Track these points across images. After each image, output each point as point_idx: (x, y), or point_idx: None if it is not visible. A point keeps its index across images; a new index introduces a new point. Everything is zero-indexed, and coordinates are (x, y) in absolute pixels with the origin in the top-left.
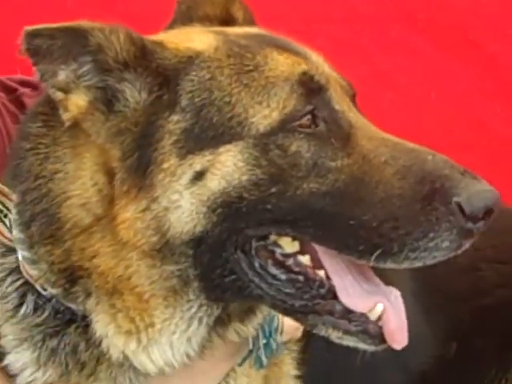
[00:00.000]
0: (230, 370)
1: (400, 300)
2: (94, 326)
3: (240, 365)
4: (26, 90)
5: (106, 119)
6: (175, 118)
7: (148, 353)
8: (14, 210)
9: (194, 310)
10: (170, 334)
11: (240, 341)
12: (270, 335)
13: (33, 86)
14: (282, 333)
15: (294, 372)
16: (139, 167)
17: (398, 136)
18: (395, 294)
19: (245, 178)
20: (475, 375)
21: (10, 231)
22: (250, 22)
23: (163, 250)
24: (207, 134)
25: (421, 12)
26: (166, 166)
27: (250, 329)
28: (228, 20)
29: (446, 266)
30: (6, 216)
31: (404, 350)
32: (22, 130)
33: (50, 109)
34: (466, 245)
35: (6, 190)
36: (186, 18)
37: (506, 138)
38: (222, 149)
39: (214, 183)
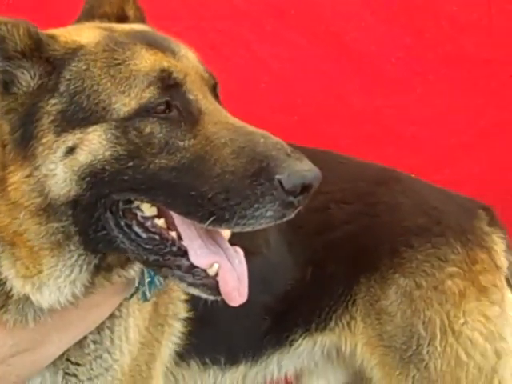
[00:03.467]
0: (122, 301)
1: (243, 263)
2: (1, 270)
3: (129, 299)
4: None
5: (2, 99)
6: (53, 101)
7: (41, 293)
8: None
9: (74, 259)
10: (55, 279)
11: (127, 280)
12: (155, 274)
13: None
14: None
15: (183, 297)
16: (23, 141)
17: (276, 111)
18: (239, 257)
19: (108, 153)
20: (327, 293)
21: None
22: (141, 19)
23: (47, 209)
24: (78, 116)
25: (291, 9)
26: (44, 140)
27: (131, 272)
28: (122, 17)
29: (305, 207)
30: None
31: (271, 274)
32: None
33: None
34: (291, 214)
35: None
36: (89, 16)
37: (363, 110)
38: (89, 129)
39: (83, 157)
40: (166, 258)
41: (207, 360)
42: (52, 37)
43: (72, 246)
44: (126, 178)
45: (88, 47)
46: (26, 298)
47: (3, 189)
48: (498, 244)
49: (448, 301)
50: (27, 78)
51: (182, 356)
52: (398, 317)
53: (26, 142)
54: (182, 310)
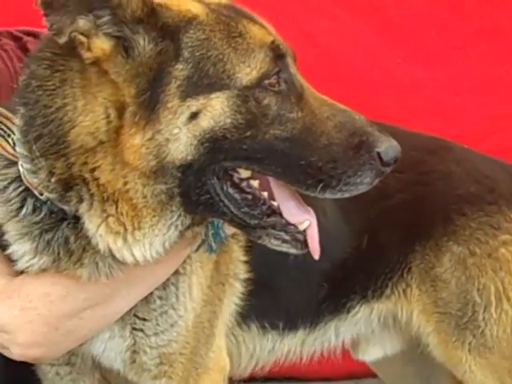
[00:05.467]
0: (185, 257)
1: (316, 221)
2: (86, 225)
3: (195, 252)
4: (30, 39)
5: (126, 62)
6: (180, 66)
7: (131, 250)
8: (17, 131)
9: (174, 219)
10: (152, 237)
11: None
12: (218, 227)
13: (34, 35)
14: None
15: (242, 258)
16: (149, 104)
17: (323, 83)
18: (314, 215)
19: (228, 120)
20: (383, 260)
21: (13, 148)
22: None
23: (157, 172)
24: (203, 82)
25: None
26: (170, 105)
27: (202, 228)
28: None
29: None
30: (9, 136)
31: (328, 242)
32: (29, 71)
33: (53, 55)
34: (376, 181)
35: (9, 114)
36: None
37: (406, 82)
38: (213, 95)
39: (205, 122)
40: (263, 219)
41: (266, 324)
42: (164, 5)
43: (174, 206)
44: (244, 146)
45: (201, 18)
46: (102, 253)
47: (112, 151)
48: None
49: (502, 268)
50: (145, 44)
51: (243, 318)
52: (452, 284)
53: (152, 105)
54: (242, 271)
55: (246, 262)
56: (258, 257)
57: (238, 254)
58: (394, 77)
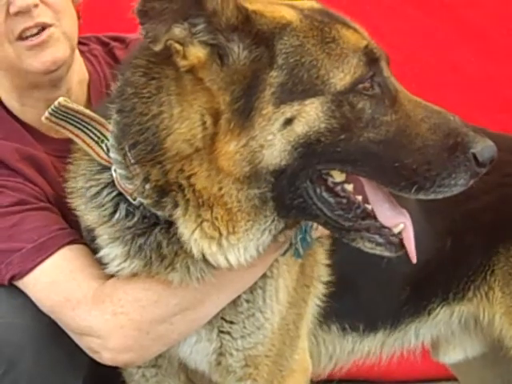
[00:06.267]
0: (274, 259)
1: (411, 223)
2: (181, 230)
3: (283, 255)
4: (117, 44)
5: (221, 70)
6: (274, 73)
7: (225, 254)
8: (111, 137)
9: (268, 223)
10: (247, 241)
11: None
12: (306, 231)
13: (120, 41)
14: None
15: (325, 261)
16: (244, 111)
17: (398, 80)
18: (409, 217)
19: (323, 125)
20: (466, 262)
21: (106, 154)
22: None
23: (251, 177)
24: (297, 89)
25: None
26: (264, 112)
27: (293, 232)
28: None
29: None
30: (102, 141)
31: None
32: (124, 78)
33: (149, 62)
34: (472, 182)
35: (102, 120)
36: None
37: (477, 78)
38: (307, 101)
39: (300, 128)
40: (357, 222)
41: (347, 326)
42: (258, 12)
43: (267, 211)
44: (338, 149)
45: (294, 24)
46: (195, 258)
47: (208, 157)
48: None
49: None
50: (239, 51)
51: (324, 319)
52: None
53: (246, 112)
54: (325, 273)
55: (328, 266)
56: (340, 259)
57: (321, 257)
58: (466, 74)
